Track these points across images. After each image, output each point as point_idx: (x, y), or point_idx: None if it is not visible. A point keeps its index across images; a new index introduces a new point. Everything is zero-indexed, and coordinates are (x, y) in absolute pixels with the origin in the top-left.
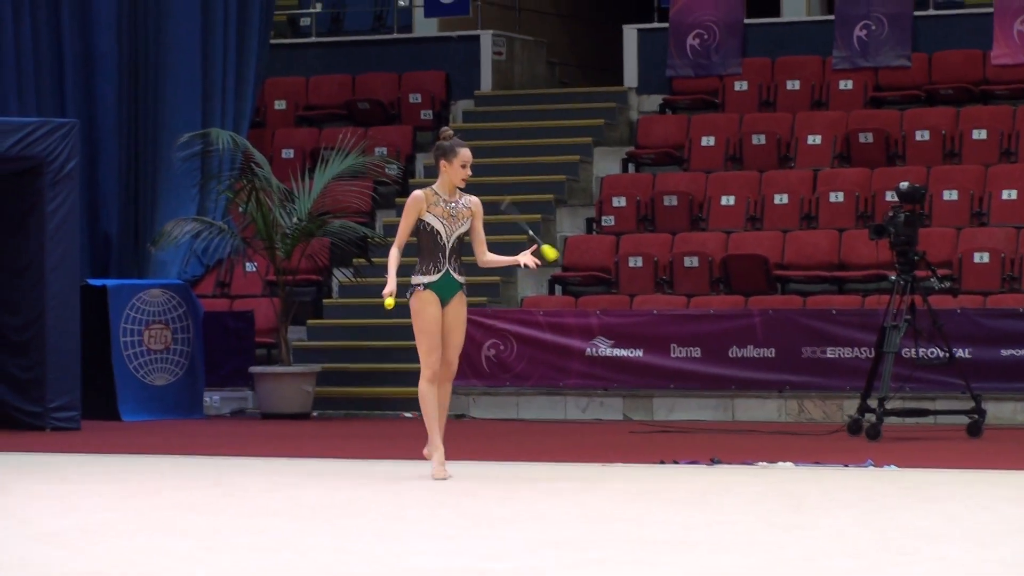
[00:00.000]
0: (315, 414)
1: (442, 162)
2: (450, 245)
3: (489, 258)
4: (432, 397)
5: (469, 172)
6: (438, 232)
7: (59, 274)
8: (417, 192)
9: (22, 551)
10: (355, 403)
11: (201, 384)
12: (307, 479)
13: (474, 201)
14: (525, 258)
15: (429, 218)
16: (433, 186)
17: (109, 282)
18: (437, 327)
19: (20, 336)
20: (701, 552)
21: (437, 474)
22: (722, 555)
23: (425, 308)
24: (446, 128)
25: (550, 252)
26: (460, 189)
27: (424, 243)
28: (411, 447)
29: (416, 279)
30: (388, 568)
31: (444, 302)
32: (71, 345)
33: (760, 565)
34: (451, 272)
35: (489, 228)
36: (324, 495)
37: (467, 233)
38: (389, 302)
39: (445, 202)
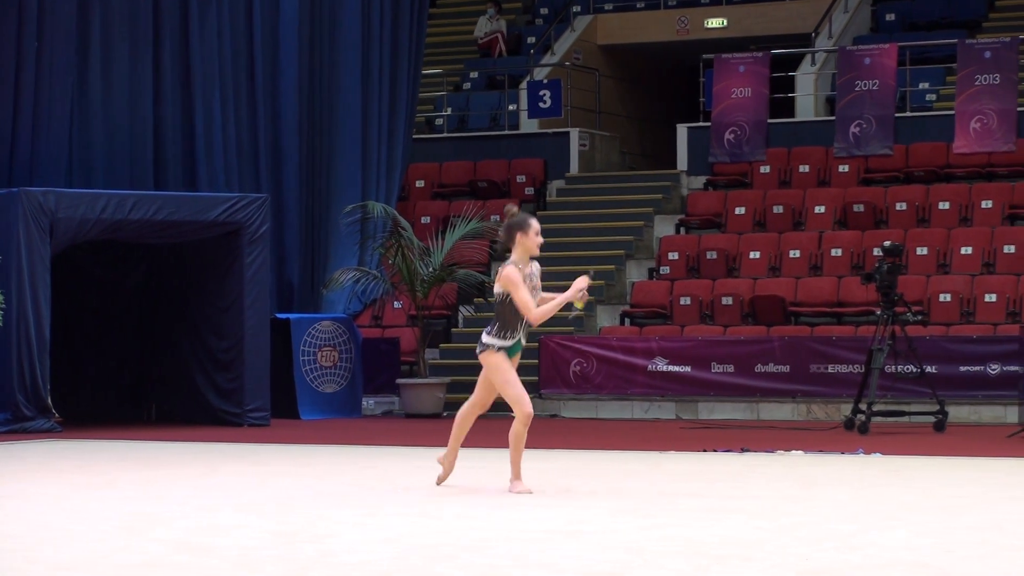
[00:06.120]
0: (445, 414)
1: (518, 235)
2: None
3: (541, 311)
4: (522, 437)
5: (541, 239)
6: None
7: (254, 310)
8: (512, 268)
9: (228, 518)
10: None
11: (360, 391)
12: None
13: (537, 266)
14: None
15: None
16: (513, 261)
17: (292, 316)
18: (517, 376)
19: (225, 356)
20: (737, 517)
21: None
22: (753, 519)
23: (503, 362)
24: (510, 206)
25: (579, 304)
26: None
27: (505, 313)
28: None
29: (492, 341)
30: (504, 528)
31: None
32: (263, 362)
33: (781, 527)
34: (521, 338)
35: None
36: (452, 475)
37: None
38: (579, 304)
39: (528, 276)
